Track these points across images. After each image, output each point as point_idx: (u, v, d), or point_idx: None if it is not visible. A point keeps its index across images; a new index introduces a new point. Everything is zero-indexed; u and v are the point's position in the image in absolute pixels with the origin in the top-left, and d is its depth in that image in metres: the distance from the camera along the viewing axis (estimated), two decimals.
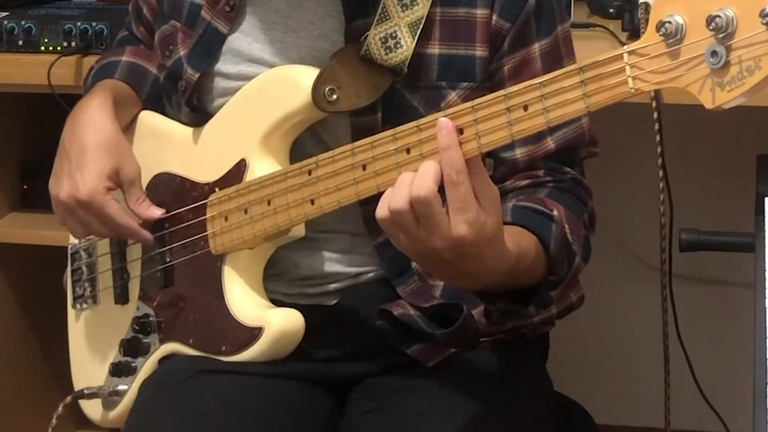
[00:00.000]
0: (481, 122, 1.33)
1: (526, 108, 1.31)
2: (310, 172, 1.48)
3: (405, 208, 1.33)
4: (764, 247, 1.49)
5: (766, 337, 1.37)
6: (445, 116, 1.35)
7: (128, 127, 1.74)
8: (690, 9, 1.22)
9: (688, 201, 2.28)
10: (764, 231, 1.51)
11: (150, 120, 1.75)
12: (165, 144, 1.71)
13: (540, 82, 1.30)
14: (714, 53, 1.20)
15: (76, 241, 1.81)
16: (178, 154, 1.68)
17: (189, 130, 1.68)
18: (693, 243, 1.70)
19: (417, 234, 1.34)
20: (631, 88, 1.26)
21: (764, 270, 1.45)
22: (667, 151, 2.07)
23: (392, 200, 1.34)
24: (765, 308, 1.40)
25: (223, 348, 1.58)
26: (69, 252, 1.83)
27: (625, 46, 1.27)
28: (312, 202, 1.48)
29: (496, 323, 1.58)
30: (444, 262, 1.35)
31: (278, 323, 1.55)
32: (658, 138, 2.04)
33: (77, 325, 1.83)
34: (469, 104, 1.34)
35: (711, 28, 1.19)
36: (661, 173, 2.09)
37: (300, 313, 1.55)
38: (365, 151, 1.42)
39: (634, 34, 2.07)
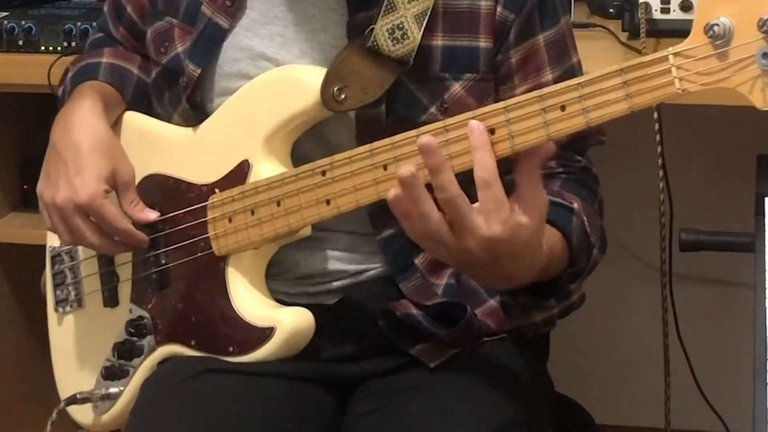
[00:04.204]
0: (515, 123, 1.34)
1: (563, 108, 1.32)
2: (324, 173, 1.48)
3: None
4: (764, 247, 1.48)
5: (766, 337, 1.37)
6: (475, 117, 1.35)
7: (112, 129, 1.71)
8: (739, 12, 1.25)
9: (688, 201, 2.28)
10: (764, 231, 1.51)
11: (136, 121, 1.73)
12: (154, 145, 1.69)
13: (578, 83, 1.32)
14: (765, 54, 1.23)
15: (57, 243, 1.78)
16: (170, 155, 1.67)
17: (179, 129, 1.67)
18: (693, 243, 1.70)
19: (450, 238, 1.33)
20: (679, 89, 1.29)
21: (764, 270, 1.45)
22: (667, 151, 2.07)
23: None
24: (765, 308, 1.40)
25: (231, 349, 1.57)
26: (49, 255, 1.81)
27: (671, 48, 1.29)
28: (327, 202, 1.48)
29: (514, 317, 1.58)
30: (480, 262, 1.35)
31: (290, 322, 1.54)
32: (658, 138, 2.04)
33: (61, 329, 1.80)
34: (501, 104, 1.35)
35: (763, 30, 1.23)
36: (661, 173, 2.09)
37: (308, 310, 1.55)
38: (386, 151, 1.42)
39: (634, 34, 2.07)
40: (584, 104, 1.32)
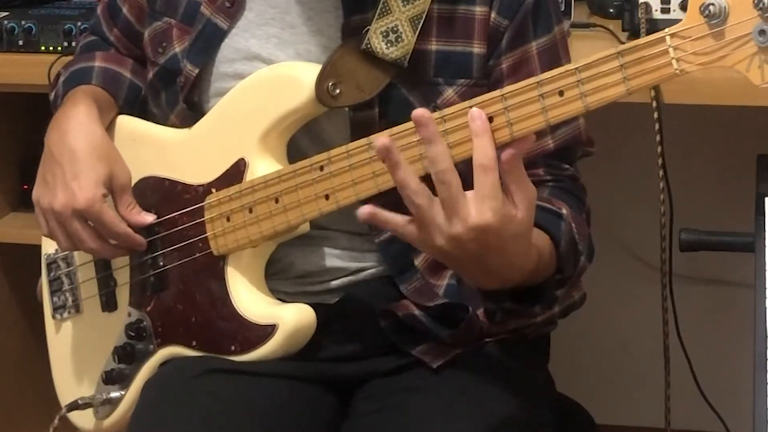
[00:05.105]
0: (513, 110, 1.34)
1: (561, 93, 1.33)
2: (322, 168, 1.48)
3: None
4: (764, 247, 1.49)
5: (766, 337, 1.37)
6: (474, 105, 1.36)
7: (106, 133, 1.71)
8: None
9: (688, 201, 2.28)
10: (764, 231, 1.51)
11: (129, 124, 1.73)
12: (148, 147, 1.69)
13: (575, 68, 1.32)
14: (762, 32, 1.25)
15: (52, 250, 1.78)
16: (164, 157, 1.66)
17: (173, 131, 1.67)
18: (693, 243, 1.70)
19: (439, 222, 1.33)
20: (676, 70, 1.29)
21: (764, 270, 1.45)
22: (667, 151, 2.07)
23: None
24: (765, 308, 1.40)
25: (233, 348, 1.57)
26: (44, 262, 1.81)
27: (667, 29, 1.29)
28: (327, 197, 1.48)
29: (498, 323, 1.58)
30: (468, 254, 1.35)
31: (292, 319, 1.55)
32: (658, 138, 2.04)
33: (60, 336, 1.80)
34: (498, 92, 1.35)
35: (759, 8, 1.24)
36: (661, 173, 2.09)
37: (309, 306, 1.55)
38: None
39: (635, 34, 2.07)
40: (582, 89, 1.32)
